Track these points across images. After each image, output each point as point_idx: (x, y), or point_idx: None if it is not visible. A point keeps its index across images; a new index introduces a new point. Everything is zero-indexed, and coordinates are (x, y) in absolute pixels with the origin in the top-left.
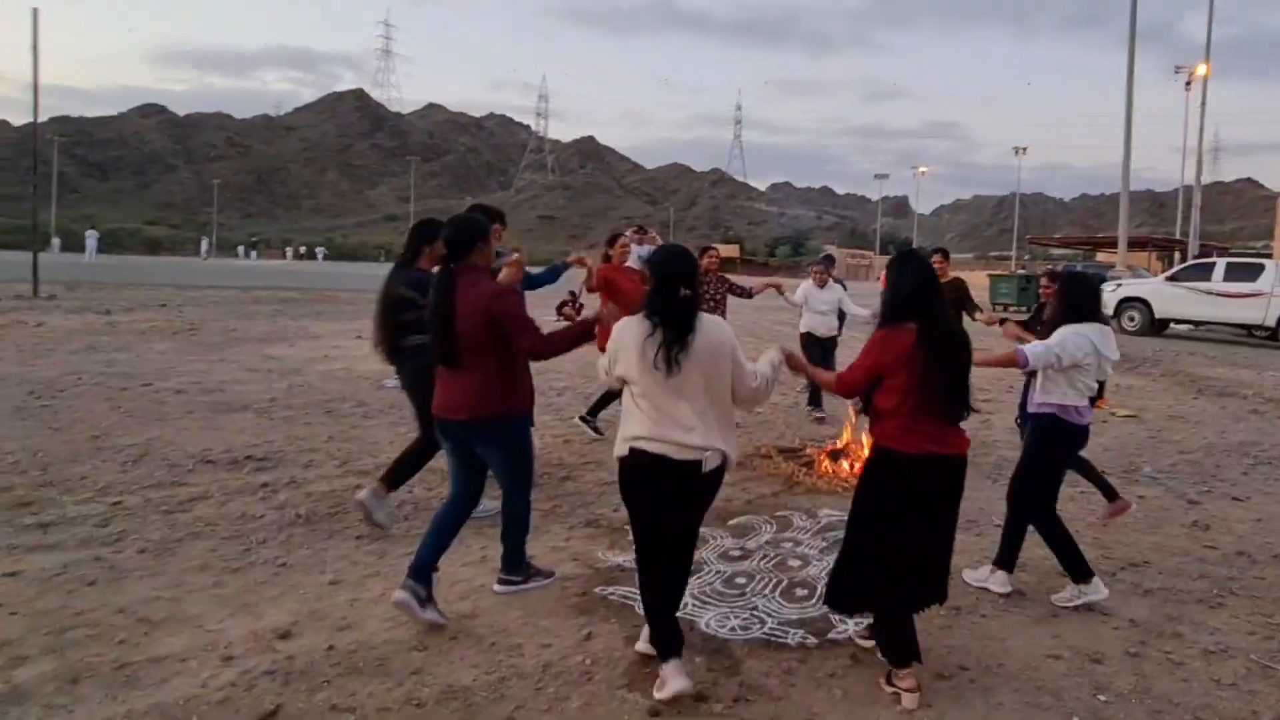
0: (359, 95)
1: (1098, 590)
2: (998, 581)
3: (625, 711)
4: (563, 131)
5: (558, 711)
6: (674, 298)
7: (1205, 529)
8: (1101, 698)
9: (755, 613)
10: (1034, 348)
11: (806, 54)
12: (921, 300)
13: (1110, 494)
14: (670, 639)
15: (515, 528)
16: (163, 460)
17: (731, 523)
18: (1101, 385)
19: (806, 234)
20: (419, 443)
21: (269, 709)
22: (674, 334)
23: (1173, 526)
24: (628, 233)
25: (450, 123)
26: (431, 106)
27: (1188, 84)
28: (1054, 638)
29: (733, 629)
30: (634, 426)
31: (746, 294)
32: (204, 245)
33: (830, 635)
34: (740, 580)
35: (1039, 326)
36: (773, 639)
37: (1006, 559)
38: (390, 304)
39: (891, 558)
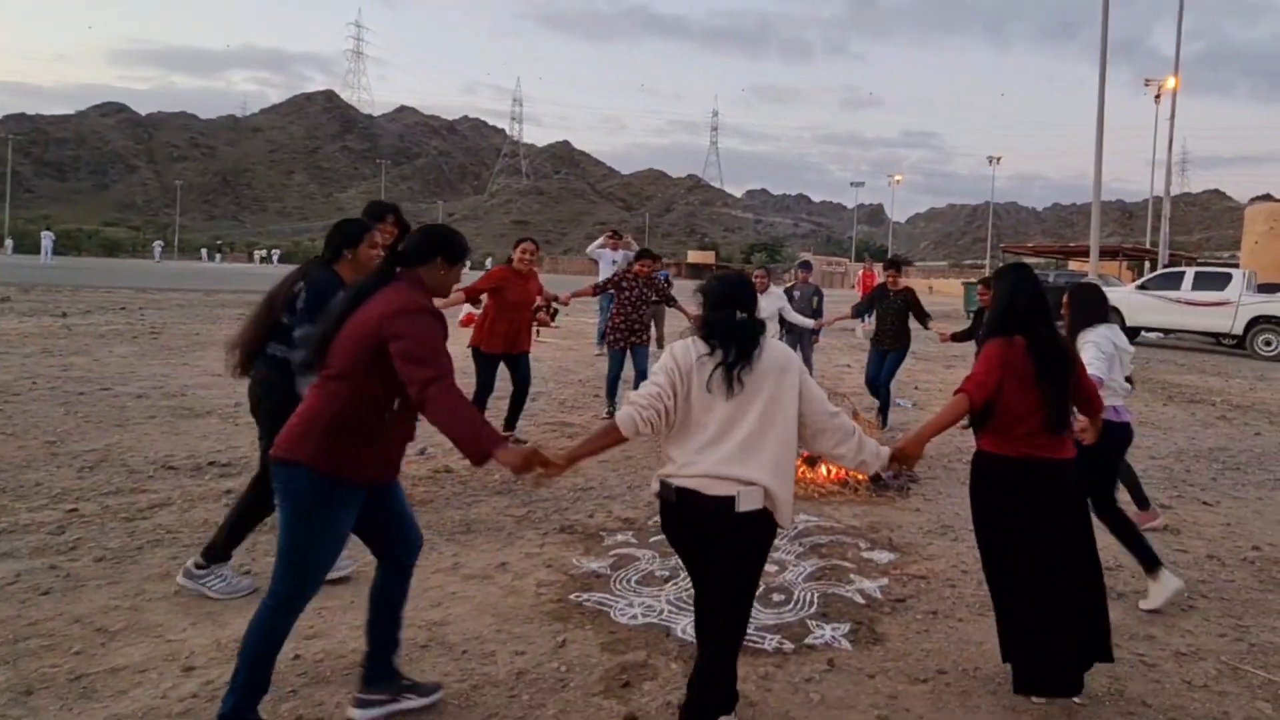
0: (329, 96)
1: (1169, 582)
2: (1164, 584)
3: (601, 719)
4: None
5: (532, 719)
6: (731, 317)
7: (1176, 533)
8: (1076, 700)
9: None
10: (1091, 362)
11: (783, 61)
12: (1033, 314)
13: (1143, 502)
14: (717, 701)
15: (254, 641)
16: (122, 466)
17: None
18: (1130, 380)
19: (782, 241)
20: (252, 487)
21: None
22: (737, 350)
23: (1143, 531)
24: (601, 238)
25: (422, 125)
26: (403, 109)
27: (1157, 97)
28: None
29: None
30: (669, 457)
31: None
32: (157, 248)
33: (807, 640)
34: None
35: (980, 333)
36: (749, 644)
37: (1146, 560)
38: (272, 300)
39: (1032, 580)
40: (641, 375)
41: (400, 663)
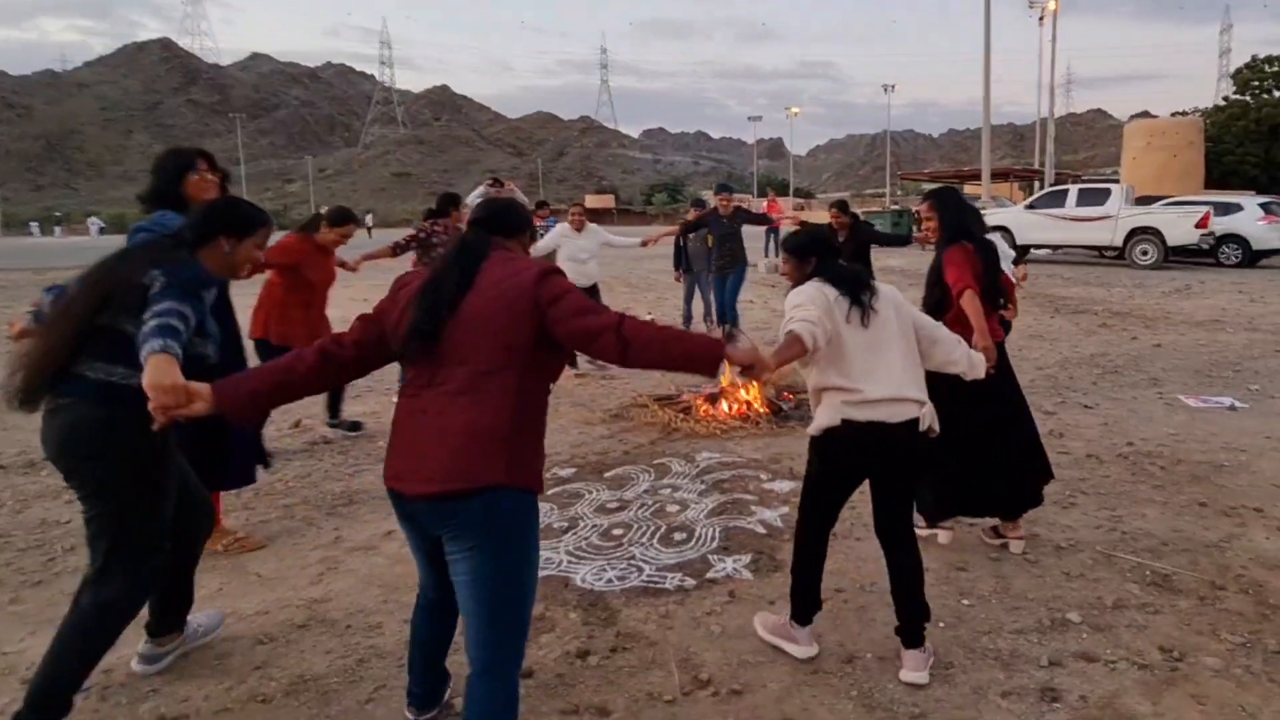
0: (165, 45)
1: None
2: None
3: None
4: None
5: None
6: (835, 262)
7: (1060, 436)
8: (965, 602)
9: (633, 562)
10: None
11: None
12: (971, 223)
13: None
14: (924, 607)
15: None
16: None
17: (608, 475)
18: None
19: (683, 180)
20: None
21: None
22: (853, 287)
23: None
24: (482, 186)
25: (280, 74)
26: (256, 56)
27: (1040, 19)
28: (924, 552)
29: (609, 580)
30: (839, 389)
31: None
32: None
33: (708, 575)
34: (617, 531)
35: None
36: (650, 585)
37: None
38: (91, 298)
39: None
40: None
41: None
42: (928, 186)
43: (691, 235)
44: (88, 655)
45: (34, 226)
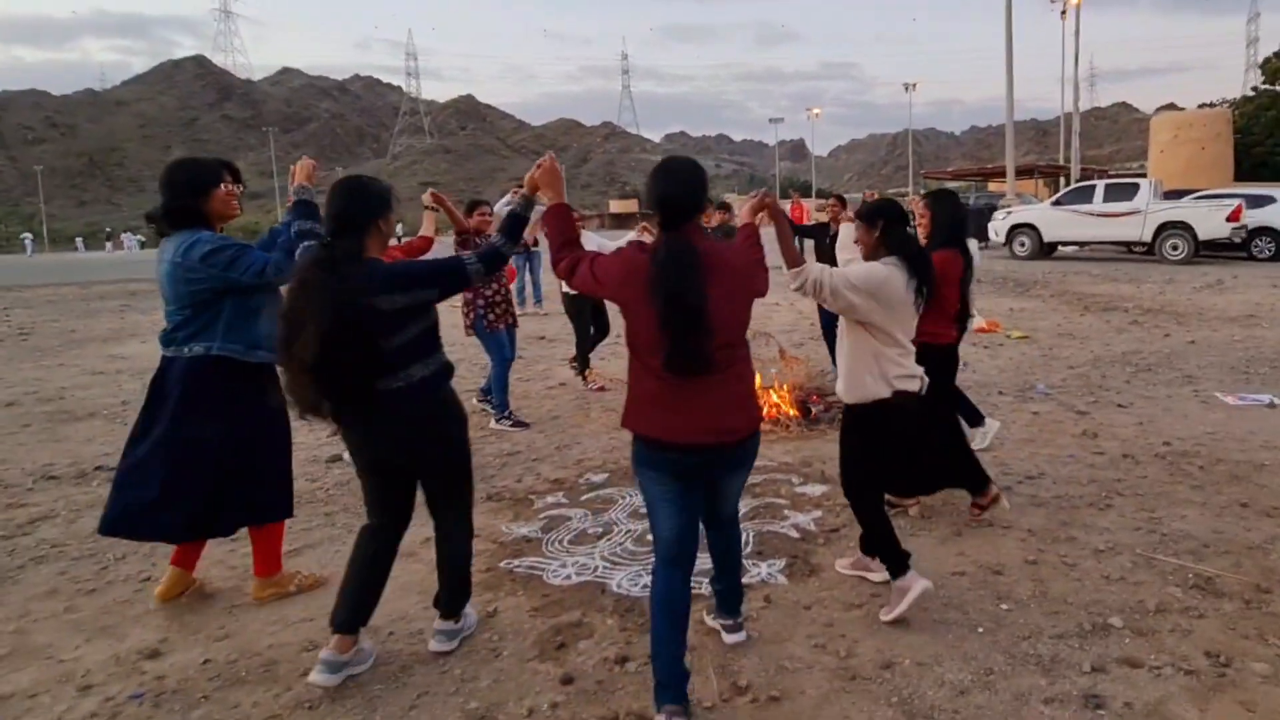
0: (200, 62)
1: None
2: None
3: (536, 683)
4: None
5: (465, 692)
6: (903, 229)
7: (1094, 437)
8: (1004, 606)
9: None
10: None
11: None
12: (964, 230)
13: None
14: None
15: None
16: None
17: None
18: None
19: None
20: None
21: None
22: (923, 272)
23: (1064, 438)
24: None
25: (310, 87)
26: (286, 71)
27: (1063, 12)
28: (959, 555)
29: (645, 586)
30: (892, 360)
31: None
32: (27, 241)
33: (744, 580)
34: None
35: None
36: None
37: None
38: (353, 323)
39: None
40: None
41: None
42: (951, 185)
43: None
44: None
45: (80, 243)
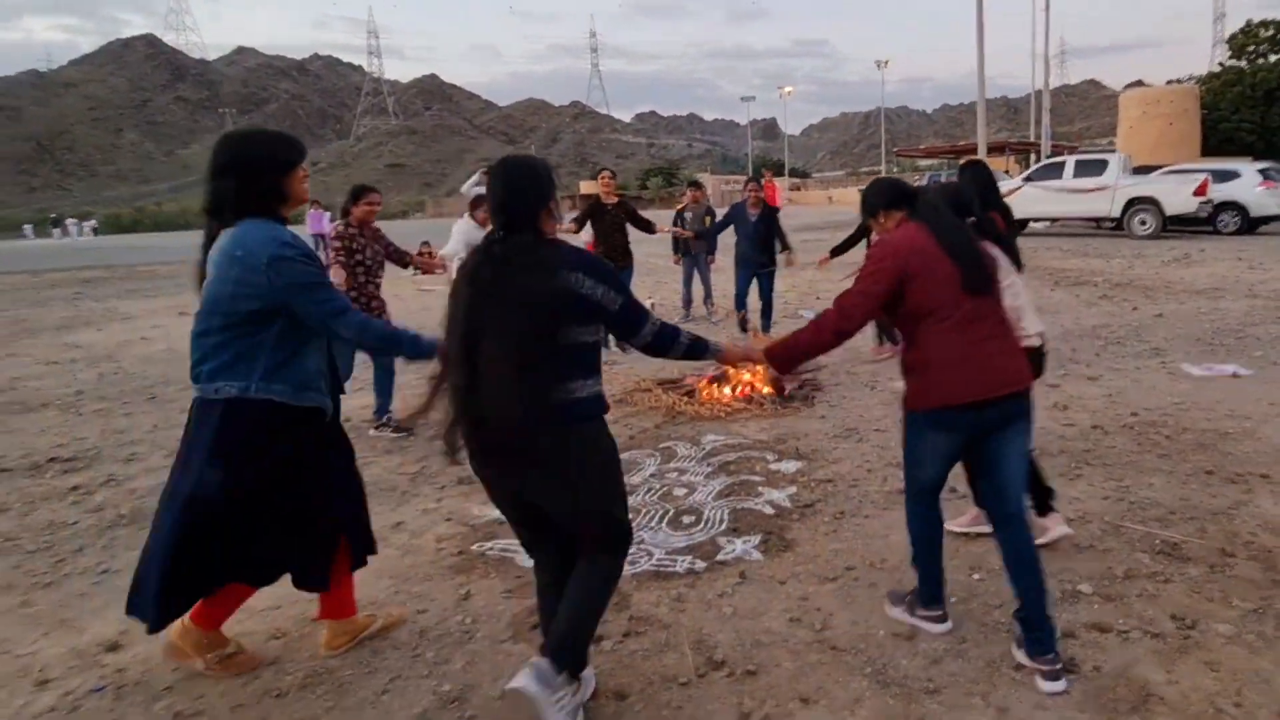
0: (150, 41)
1: None
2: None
3: (510, 665)
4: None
5: (438, 675)
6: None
7: (1064, 409)
8: (976, 576)
9: (642, 546)
10: None
11: None
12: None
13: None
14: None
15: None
16: None
17: None
18: None
19: (678, 163)
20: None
21: None
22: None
23: (1036, 410)
24: (477, 174)
25: (267, 67)
26: (242, 51)
27: None
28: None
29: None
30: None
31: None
32: None
33: (718, 557)
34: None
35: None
36: (661, 569)
37: None
38: (546, 312)
39: None
40: None
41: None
42: (923, 163)
43: (689, 217)
44: (599, 615)
45: (28, 229)
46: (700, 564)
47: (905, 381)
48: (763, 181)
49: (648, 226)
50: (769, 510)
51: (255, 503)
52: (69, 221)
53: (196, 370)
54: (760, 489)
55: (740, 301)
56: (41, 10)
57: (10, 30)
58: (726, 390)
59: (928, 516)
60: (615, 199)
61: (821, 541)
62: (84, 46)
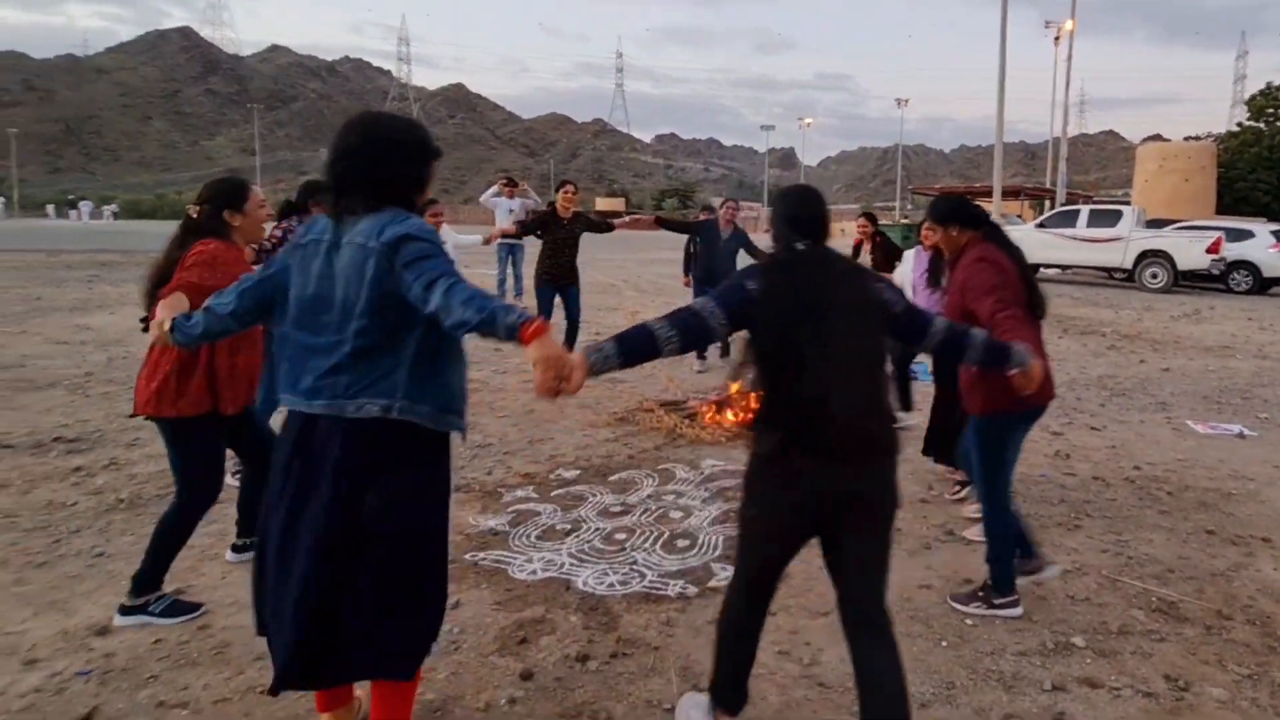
0: (186, 34)
1: None
2: None
3: (495, 678)
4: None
5: (422, 685)
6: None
7: (1066, 458)
8: (969, 622)
9: (635, 567)
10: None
11: (693, 2)
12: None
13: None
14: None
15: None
16: None
17: (612, 478)
18: None
19: (693, 186)
20: None
21: (83, 713)
22: None
23: (1037, 457)
24: (496, 185)
25: (298, 66)
26: (275, 49)
27: (1056, 39)
28: (926, 569)
29: (611, 585)
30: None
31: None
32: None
33: (710, 584)
34: (620, 536)
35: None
36: (652, 592)
37: None
38: (884, 324)
39: None
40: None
41: None
42: None
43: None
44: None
45: (50, 210)
46: (692, 589)
47: (985, 387)
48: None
49: (606, 227)
50: None
51: (386, 548)
52: (83, 204)
53: (321, 383)
54: None
55: None
56: None
57: (52, 14)
58: (729, 415)
59: (1011, 511)
60: (571, 214)
61: (815, 575)
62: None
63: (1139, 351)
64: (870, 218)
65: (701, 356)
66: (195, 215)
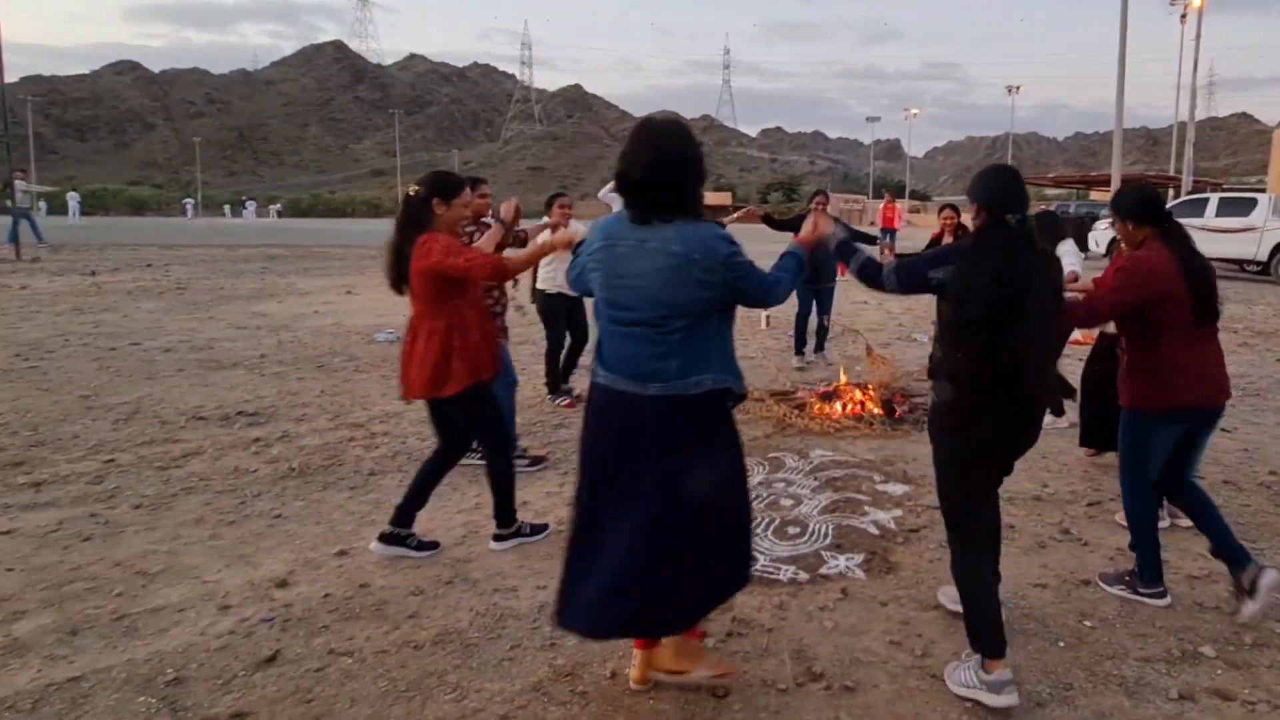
0: (338, 47)
1: None
2: None
3: (619, 645)
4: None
5: (554, 649)
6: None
7: None
8: (1087, 623)
9: None
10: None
11: None
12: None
13: None
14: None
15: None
16: (154, 418)
17: None
18: None
19: (799, 179)
20: None
21: (268, 654)
22: None
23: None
24: (614, 181)
25: (432, 73)
26: (413, 57)
27: (1183, 16)
28: (1042, 567)
29: None
30: None
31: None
32: (189, 206)
33: (821, 571)
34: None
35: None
36: (765, 576)
37: None
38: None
39: None
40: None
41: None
42: (1050, 192)
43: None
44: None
45: (227, 209)
46: (803, 575)
47: (1133, 383)
48: (884, 201)
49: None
50: (874, 530)
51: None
52: (249, 204)
53: (653, 368)
54: (866, 508)
55: (802, 321)
56: (255, 17)
57: (229, 34)
58: (837, 406)
59: (1152, 506)
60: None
61: (926, 568)
62: (285, 50)
63: (1275, 349)
64: (954, 209)
65: (800, 352)
66: (411, 195)
